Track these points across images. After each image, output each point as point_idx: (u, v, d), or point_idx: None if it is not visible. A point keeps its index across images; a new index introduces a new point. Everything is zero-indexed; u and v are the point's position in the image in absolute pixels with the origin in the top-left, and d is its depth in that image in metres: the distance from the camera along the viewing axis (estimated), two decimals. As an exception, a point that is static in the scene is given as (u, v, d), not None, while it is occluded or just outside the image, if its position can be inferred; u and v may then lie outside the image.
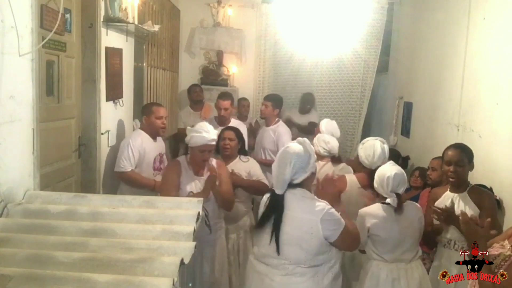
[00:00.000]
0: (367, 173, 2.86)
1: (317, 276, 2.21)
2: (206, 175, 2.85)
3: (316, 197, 2.25)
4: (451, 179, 2.64)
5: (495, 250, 1.87)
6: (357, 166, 3.05)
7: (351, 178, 2.96)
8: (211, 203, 2.80)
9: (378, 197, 2.66)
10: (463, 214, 2.00)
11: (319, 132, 3.77)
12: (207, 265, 2.89)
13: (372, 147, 2.87)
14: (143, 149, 3.33)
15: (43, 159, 2.51)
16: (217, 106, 4.14)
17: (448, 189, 2.71)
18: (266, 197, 2.34)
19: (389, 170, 2.55)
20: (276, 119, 4.31)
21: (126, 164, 3.28)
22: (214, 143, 2.88)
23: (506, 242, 1.92)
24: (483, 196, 2.59)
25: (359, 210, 2.62)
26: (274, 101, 4.30)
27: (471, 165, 2.65)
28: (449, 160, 2.64)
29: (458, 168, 2.60)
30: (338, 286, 2.30)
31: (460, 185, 2.65)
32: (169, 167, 3.03)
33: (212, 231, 2.76)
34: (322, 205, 2.19)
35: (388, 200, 2.55)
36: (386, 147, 2.91)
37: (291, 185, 2.20)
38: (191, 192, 2.80)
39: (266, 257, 2.26)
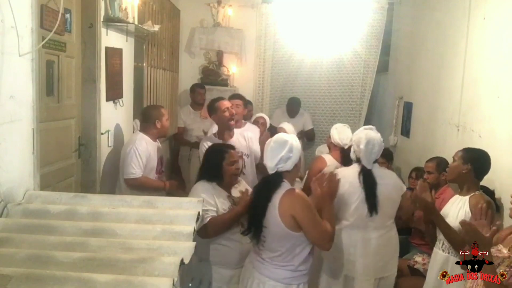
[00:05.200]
0: (341, 151, 3.43)
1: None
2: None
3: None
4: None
5: (498, 259, 1.86)
6: (331, 146, 3.59)
7: (329, 158, 3.47)
8: None
9: None
10: (464, 223, 1.92)
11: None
12: None
13: (345, 132, 3.45)
14: (148, 152, 3.26)
15: (43, 159, 2.51)
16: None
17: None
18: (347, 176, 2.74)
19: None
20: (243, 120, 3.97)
21: (137, 170, 3.17)
22: None
23: (501, 246, 1.91)
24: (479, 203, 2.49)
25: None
26: (245, 99, 4.10)
27: (472, 166, 2.54)
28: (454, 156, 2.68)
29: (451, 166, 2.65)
30: None
31: (460, 184, 2.63)
32: (308, 199, 2.30)
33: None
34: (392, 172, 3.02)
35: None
36: None
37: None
38: None
39: (368, 221, 2.73)
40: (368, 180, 2.73)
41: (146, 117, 3.40)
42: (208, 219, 2.47)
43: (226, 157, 2.64)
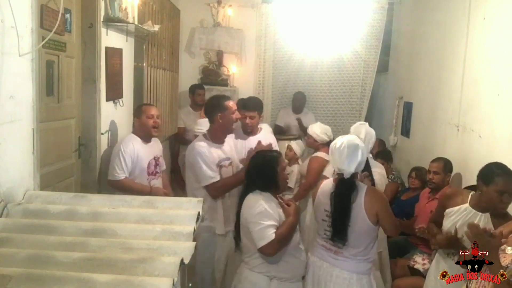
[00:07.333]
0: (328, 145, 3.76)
1: None
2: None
3: None
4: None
5: (507, 259, 1.84)
6: (319, 146, 3.74)
7: (323, 154, 3.56)
8: None
9: None
10: (472, 226, 1.90)
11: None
12: None
13: (322, 126, 3.76)
14: (136, 154, 3.17)
15: (43, 159, 2.51)
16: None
17: (469, 201, 2.50)
18: None
19: None
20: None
21: (119, 172, 3.09)
22: None
23: (507, 247, 1.91)
24: (506, 220, 2.34)
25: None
26: (259, 108, 3.54)
27: None
28: (503, 189, 2.31)
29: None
30: None
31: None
32: (383, 193, 2.72)
33: None
34: None
35: None
36: None
37: None
38: None
39: None
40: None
41: (133, 117, 3.44)
42: (274, 235, 2.32)
43: (280, 162, 2.55)
